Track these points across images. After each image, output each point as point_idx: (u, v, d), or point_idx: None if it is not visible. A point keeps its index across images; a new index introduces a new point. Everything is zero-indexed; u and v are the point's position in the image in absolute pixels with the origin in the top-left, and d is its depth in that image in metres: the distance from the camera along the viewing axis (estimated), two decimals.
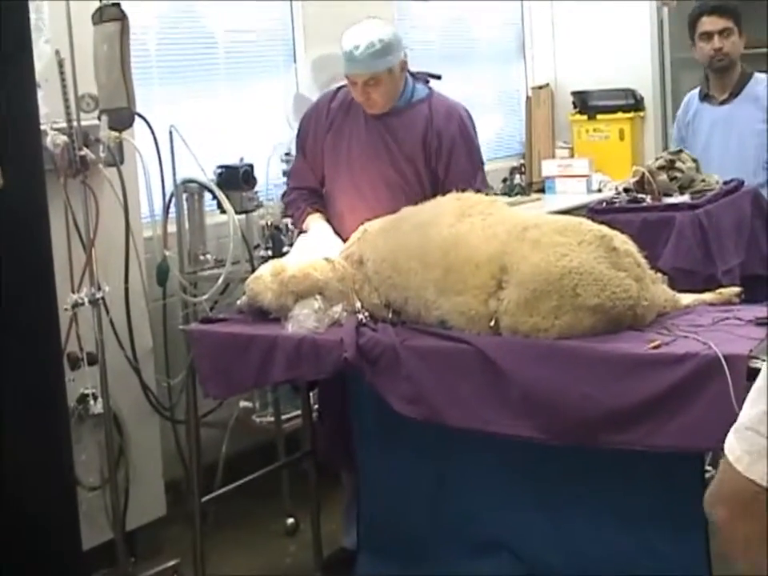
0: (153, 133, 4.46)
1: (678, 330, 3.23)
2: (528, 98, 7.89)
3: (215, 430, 4.80)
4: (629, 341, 3.22)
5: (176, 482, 4.79)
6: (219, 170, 4.74)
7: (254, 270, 4.09)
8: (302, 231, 4.18)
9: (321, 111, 4.20)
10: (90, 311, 4.12)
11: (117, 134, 4.19)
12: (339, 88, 4.21)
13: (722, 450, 1.84)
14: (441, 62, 6.43)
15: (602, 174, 7.22)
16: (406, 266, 3.59)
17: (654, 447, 3.09)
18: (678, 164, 4.63)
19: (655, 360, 3.08)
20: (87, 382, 4.23)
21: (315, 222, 4.13)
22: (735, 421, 1.83)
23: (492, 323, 3.36)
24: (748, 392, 1.83)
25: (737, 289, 3.65)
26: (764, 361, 2.19)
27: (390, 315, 3.63)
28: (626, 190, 4.69)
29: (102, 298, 4.14)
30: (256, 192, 4.82)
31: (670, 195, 4.56)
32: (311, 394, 4.56)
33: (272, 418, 4.87)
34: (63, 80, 4.02)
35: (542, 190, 7.38)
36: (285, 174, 5.13)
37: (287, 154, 5.16)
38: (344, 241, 3.96)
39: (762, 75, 5.06)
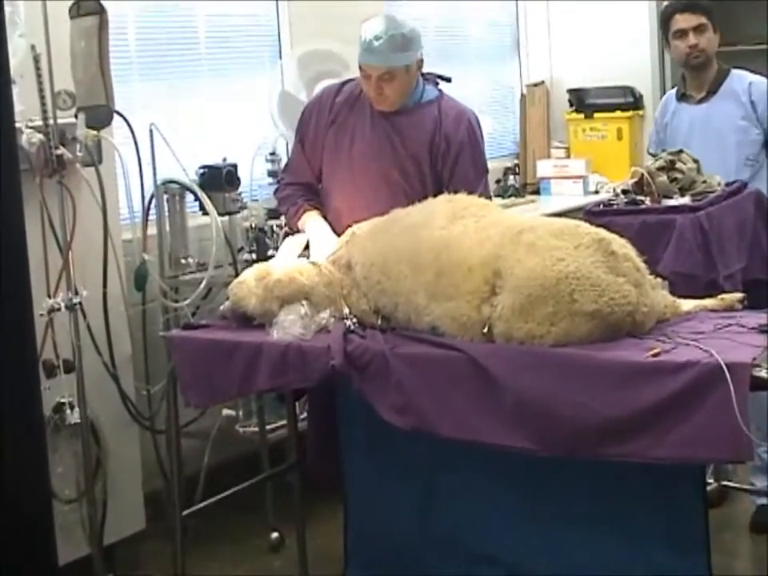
0: (132, 131, 4.46)
1: (678, 338, 3.24)
2: (522, 95, 7.91)
3: (197, 441, 4.81)
4: (627, 348, 3.22)
5: (156, 494, 4.78)
6: (201, 170, 4.74)
7: (237, 274, 4.08)
8: (295, 230, 4.18)
9: (324, 104, 4.21)
10: (67, 317, 4.11)
11: (95, 132, 4.19)
12: (345, 82, 4.24)
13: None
14: (430, 58, 6.42)
15: (600, 175, 7.25)
16: (395, 270, 3.59)
17: (654, 459, 3.09)
18: (679, 165, 4.63)
19: (655, 368, 3.08)
20: (63, 390, 4.23)
21: (312, 220, 4.13)
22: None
23: (485, 330, 3.36)
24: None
25: (739, 294, 3.65)
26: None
27: (380, 321, 3.63)
28: (624, 192, 4.68)
29: (80, 303, 4.14)
30: (240, 193, 4.82)
31: (670, 197, 4.55)
32: (297, 403, 4.56)
33: (256, 428, 4.86)
34: (39, 76, 4.01)
35: (536, 192, 7.41)
36: (270, 174, 5.15)
37: (272, 154, 5.16)
38: None
39: (740, 71, 5.10)
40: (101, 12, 4.04)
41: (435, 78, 4.23)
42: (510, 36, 7.97)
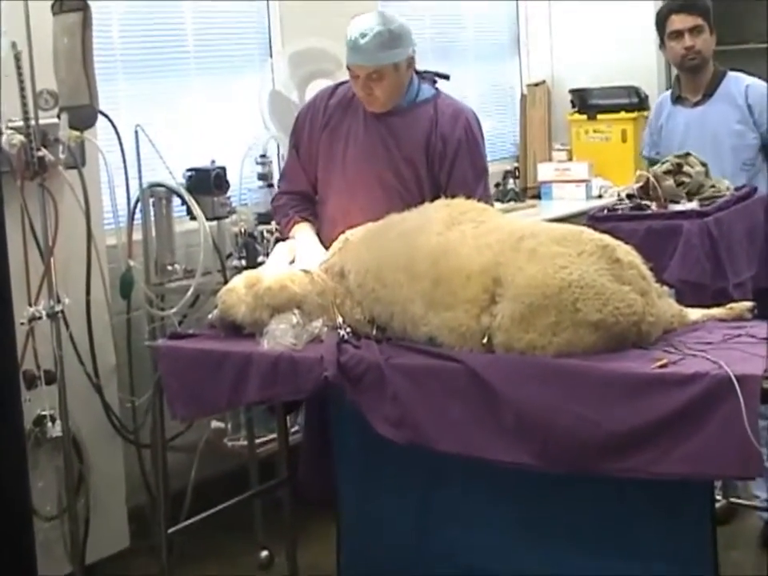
0: (117, 132, 4.46)
1: (686, 348, 3.23)
2: (523, 95, 7.91)
3: (183, 455, 4.79)
4: (633, 359, 3.21)
5: (140, 511, 4.78)
6: (189, 173, 4.74)
7: (226, 282, 4.09)
8: (287, 238, 4.18)
9: (318, 108, 4.20)
10: (49, 325, 4.11)
11: (78, 133, 4.19)
12: (339, 84, 4.23)
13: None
14: (428, 57, 6.44)
15: (603, 179, 7.25)
16: (391, 278, 3.59)
17: (660, 475, 3.08)
18: (686, 168, 4.63)
19: (661, 380, 3.08)
20: (45, 402, 4.23)
21: (301, 232, 4.12)
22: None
23: (485, 340, 3.36)
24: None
25: (749, 303, 3.65)
26: None
27: (375, 331, 3.63)
28: (629, 197, 4.69)
29: (62, 311, 4.14)
30: (228, 197, 4.82)
31: (677, 202, 4.56)
32: (288, 416, 4.55)
33: (245, 442, 4.85)
34: (20, 75, 4.02)
35: (537, 196, 7.41)
36: (260, 177, 5.14)
37: (263, 156, 5.16)
38: None
39: (737, 73, 5.11)
40: (84, 8, 4.05)
41: (432, 77, 4.20)
42: (509, 34, 7.97)
